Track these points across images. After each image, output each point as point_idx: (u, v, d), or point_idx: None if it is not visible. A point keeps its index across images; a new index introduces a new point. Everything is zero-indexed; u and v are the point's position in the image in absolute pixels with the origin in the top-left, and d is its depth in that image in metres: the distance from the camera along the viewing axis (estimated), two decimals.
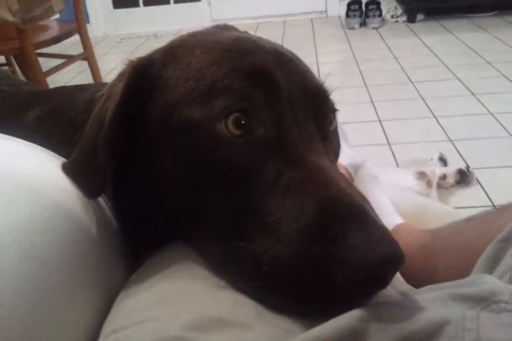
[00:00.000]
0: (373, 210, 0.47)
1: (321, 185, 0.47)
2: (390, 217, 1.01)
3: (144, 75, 0.55)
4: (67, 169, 0.56)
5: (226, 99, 0.49)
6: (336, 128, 0.61)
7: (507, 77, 2.55)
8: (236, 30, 0.64)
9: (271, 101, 0.51)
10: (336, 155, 0.61)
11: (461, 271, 0.62)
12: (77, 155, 0.56)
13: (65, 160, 0.59)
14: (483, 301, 0.40)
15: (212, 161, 0.50)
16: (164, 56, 0.56)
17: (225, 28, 0.63)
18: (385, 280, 0.44)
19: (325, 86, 0.58)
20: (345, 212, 0.44)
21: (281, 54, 0.56)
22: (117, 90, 0.54)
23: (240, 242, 0.47)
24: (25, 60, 2.15)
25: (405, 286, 0.57)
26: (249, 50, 0.54)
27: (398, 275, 0.60)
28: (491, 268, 0.55)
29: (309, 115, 0.53)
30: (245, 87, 0.50)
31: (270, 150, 0.49)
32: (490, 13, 3.84)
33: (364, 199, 0.48)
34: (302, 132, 0.51)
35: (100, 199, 0.59)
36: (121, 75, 0.57)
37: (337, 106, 0.61)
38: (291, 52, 0.60)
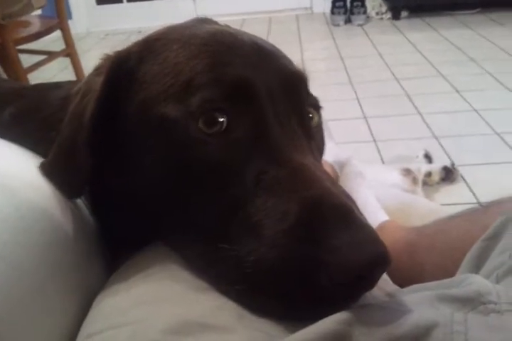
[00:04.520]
0: (359, 209, 0.45)
1: (305, 184, 0.45)
2: (375, 214, 1.00)
3: (121, 70, 0.53)
4: (45, 169, 0.54)
5: (203, 97, 0.48)
6: (320, 124, 0.60)
7: (491, 74, 2.57)
8: (215, 23, 0.62)
9: (250, 99, 0.49)
10: (321, 152, 0.60)
11: (447, 269, 0.61)
12: (55, 155, 0.54)
13: (40, 159, 0.57)
14: (471, 302, 0.40)
15: (190, 161, 0.48)
16: (141, 50, 0.54)
17: (205, 21, 0.62)
18: (371, 282, 0.43)
19: (303, 73, 0.56)
20: (330, 211, 0.43)
21: (260, 47, 0.54)
22: (96, 86, 0.52)
23: (222, 244, 0.46)
24: (6, 56, 2.12)
25: (392, 287, 0.56)
26: (227, 44, 0.52)
27: (385, 276, 0.59)
28: (477, 267, 0.54)
29: (291, 111, 0.51)
30: (223, 83, 0.48)
31: (250, 149, 0.48)
32: (473, 11, 3.86)
33: (349, 198, 0.46)
34: (284, 129, 0.49)
35: (77, 199, 0.57)
36: (98, 70, 0.55)
37: (322, 103, 0.60)
38: (270, 44, 0.58)
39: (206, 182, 0.48)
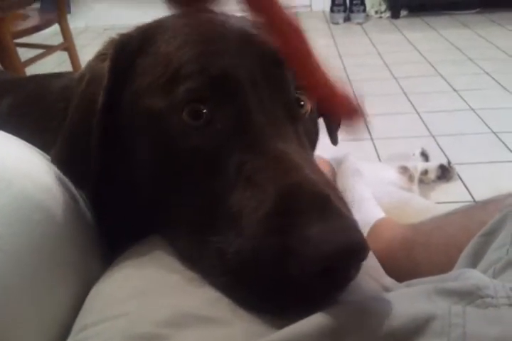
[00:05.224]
0: (340, 198, 0.44)
1: (283, 172, 0.44)
2: (371, 211, 1.00)
3: (123, 53, 0.53)
4: (56, 159, 0.54)
5: (187, 88, 0.48)
6: (314, 112, 0.58)
7: (489, 74, 2.57)
8: (211, 11, 0.62)
9: (233, 89, 0.49)
10: (312, 139, 0.59)
11: (443, 265, 0.61)
12: (66, 143, 0.54)
13: (38, 150, 0.57)
14: (469, 296, 0.39)
15: (176, 153, 0.48)
16: (142, 35, 0.55)
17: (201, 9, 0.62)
18: (347, 273, 0.41)
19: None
20: (305, 200, 0.41)
21: (247, 34, 0.53)
22: (102, 71, 0.52)
23: (208, 236, 0.46)
24: (3, 49, 2.10)
25: (389, 280, 0.55)
26: (214, 33, 0.52)
27: (381, 269, 0.59)
28: (473, 262, 0.54)
29: (276, 98, 0.50)
30: (206, 74, 0.48)
31: (233, 140, 0.47)
32: (473, 11, 3.86)
33: (329, 185, 0.45)
34: (268, 118, 0.48)
35: (74, 191, 0.57)
36: (102, 55, 0.55)
37: None
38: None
39: (192, 174, 0.48)
